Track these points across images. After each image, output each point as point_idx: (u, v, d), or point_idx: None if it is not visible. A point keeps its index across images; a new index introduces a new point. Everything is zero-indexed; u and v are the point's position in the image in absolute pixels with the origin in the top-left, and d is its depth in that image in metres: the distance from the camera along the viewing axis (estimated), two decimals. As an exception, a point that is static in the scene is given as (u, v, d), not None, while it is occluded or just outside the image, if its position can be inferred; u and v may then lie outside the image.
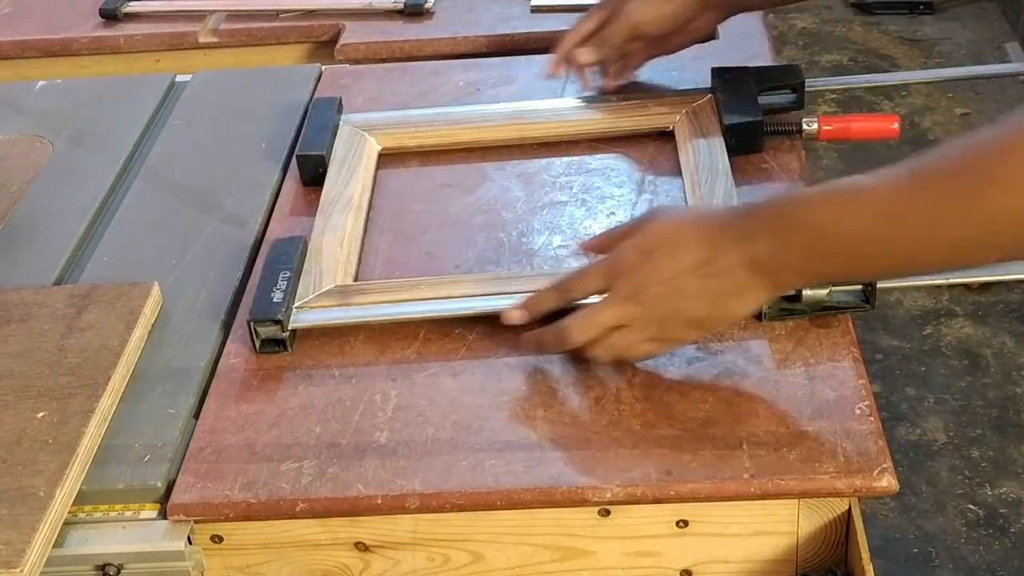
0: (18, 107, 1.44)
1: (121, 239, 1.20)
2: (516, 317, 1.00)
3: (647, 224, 0.97)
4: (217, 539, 0.94)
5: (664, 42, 1.27)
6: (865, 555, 0.89)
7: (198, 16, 1.63)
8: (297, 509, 0.90)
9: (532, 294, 1.00)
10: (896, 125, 1.21)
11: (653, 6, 1.23)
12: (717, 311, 0.93)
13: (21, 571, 0.84)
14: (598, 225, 1.14)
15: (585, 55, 1.26)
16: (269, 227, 1.19)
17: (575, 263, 1.09)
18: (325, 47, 1.59)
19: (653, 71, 1.35)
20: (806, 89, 1.24)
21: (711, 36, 1.27)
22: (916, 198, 0.84)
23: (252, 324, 1.02)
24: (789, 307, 1.00)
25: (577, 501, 0.89)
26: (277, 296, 1.04)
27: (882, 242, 0.86)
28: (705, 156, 1.17)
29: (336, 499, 0.90)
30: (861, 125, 1.22)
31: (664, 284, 0.93)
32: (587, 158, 1.24)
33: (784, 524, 0.92)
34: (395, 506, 0.90)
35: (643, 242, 0.95)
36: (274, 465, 0.93)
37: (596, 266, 0.98)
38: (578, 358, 0.98)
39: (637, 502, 0.89)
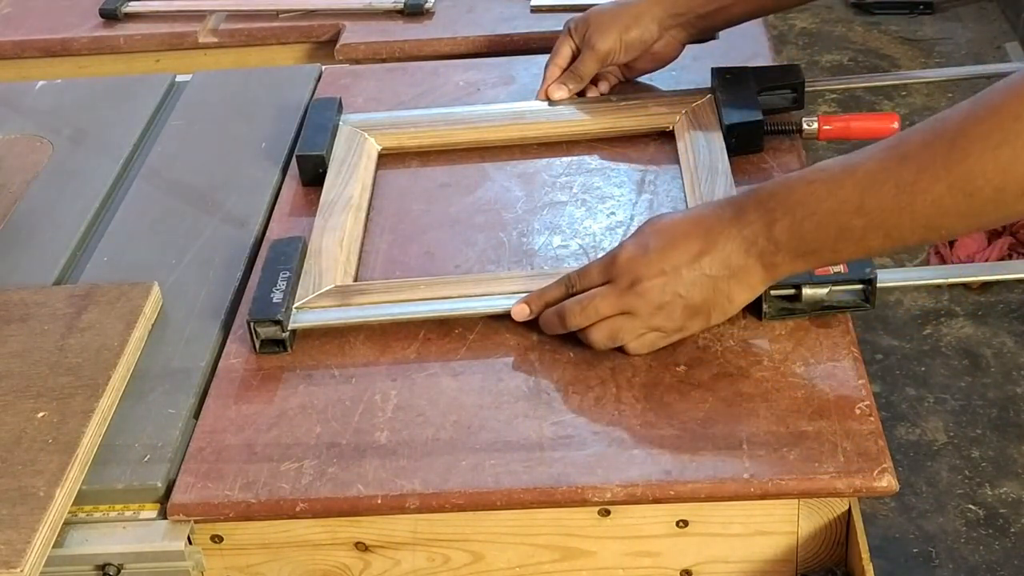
0: (18, 107, 1.44)
1: (121, 239, 1.20)
2: (519, 313, 1.02)
3: (646, 225, 1.00)
4: (217, 539, 0.94)
5: (631, 67, 1.32)
6: (865, 555, 0.89)
7: (198, 16, 1.63)
8: (297, 509, 0.90)
9: (537, 291, 1.03)
10: (896, 124, 1.21)
11: (616, 34, 1.27)
12: (717, 297, 0.96)
13: (21, 571, 0.84)
14: (598, 225, 1.14)
15: (559, 92, 1.29)
16: (269, 227, 1.19)
17: (575, 263, 1.09)
18: (325, 47, 1.59)
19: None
20: (806, 89, 1.24)
21: (673, 58, 1.31)
22: (895, 168, 0.87)
23: (252, 324, 1.02)
24: (789, 307, 1.00)
25: (577, 501, 0.89)
26: (277, 296, 1.04)
27: (865, 215, 0.88)
28: (705, 156, 1.17)
29: (336, 499, 0.90)
30: (861, 125, 1.22)
31: (662, 275, 0.96)
32: (587, 158, 1.24)
33: (784, 524, 0.92)
34: (395, 506, 0.90)
35: (641, 239, 0.99)
36: (274, 465, 0.93)
37: (597, 262, 1.01)
38: (584, 341, 1.00)
39: (637, 502, 0.89)
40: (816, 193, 0.90)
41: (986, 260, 2.37)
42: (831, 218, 0.90)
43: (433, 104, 1.35)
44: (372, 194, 1.22)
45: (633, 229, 1.12)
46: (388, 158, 1.27)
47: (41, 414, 0.96)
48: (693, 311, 0.96)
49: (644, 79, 1.33)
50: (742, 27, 1.31)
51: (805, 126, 1.21)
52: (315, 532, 0.94)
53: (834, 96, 2.93)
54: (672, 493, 0.88)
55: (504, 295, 1.04)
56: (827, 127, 1.21)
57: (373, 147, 1.27)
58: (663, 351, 0.98)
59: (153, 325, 1.07)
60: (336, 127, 1.28)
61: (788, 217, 0.91)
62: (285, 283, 1.05)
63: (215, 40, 1.61)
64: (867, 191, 0.88)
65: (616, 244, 1.02)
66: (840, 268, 1.01)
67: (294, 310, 1.04)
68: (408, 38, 1.54)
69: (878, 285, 0.99)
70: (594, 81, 1.31)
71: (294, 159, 1.25)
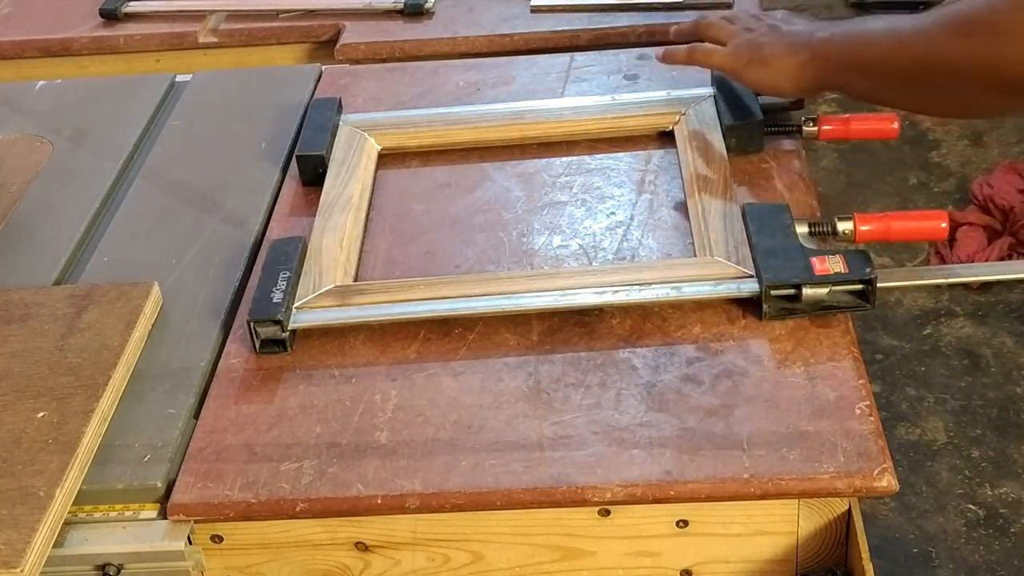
0: (18, 107, 1.44)
1: (121, 239, 1.20)
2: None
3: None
4: (217, 539, 0.94)
5: None
6: (865, 555, 0.89)
7: (198, 16, 1.63)
8: (297, 509, 0.90)
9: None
10: (896, 124, 1.21)
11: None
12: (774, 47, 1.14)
13: (21, 571, 0.84)
14: (598, 225, 1.14)
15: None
16: (269, 227, 1.19)
17: (575, 263, 1.09)
18: (325, 47, 1.59)
19: (653, 71, 1.35)
20: (806, 89, 1.24)
21: None
22: (929, 31, 1.00)
23: (252, 324, 1.02)
24: (789, 307, 1.00)
25: (577, 501, 0.89)
26: (277, 296, 1.04)
27: (891, 60, 1.03)
28: (705, 156, 1.17)
29: (336, 499, 0.90)
30: (861, 125, 1.22)
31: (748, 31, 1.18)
32: (587, 158, 1.24)
33: (784, 524, 0.92)
34: (395, 506, 0.90)
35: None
36: (274, 465, 0.93)
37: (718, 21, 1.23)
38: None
39: (637, 502, 0.89)
40: (867, 38, 1.07)
41: (986, 260, 2.37)
42: (866, 52, 1.07)
43: (433, 104, 1.35)
44: (372, 194, 1.22)
45: (633, 229, 1.12)
46: (388, 158, 1.27)
47: (41, 414, 0.96)
48: (756, 49, 1.14)
49: (644, 80, 1.33)
50: (742, 27, 1.31)
51: (805, 126, 1.21)
52: (315, 532, 0.94)
53: (834, 96, 2.92)
54: (672, 493, 0.88)
55: (504, 295, 1.04)
56: (827, 127, 1.20)
57: (373, 147, 1.27)
58: (662, 351, 0.98)
59: (153, 325, 1.07)
60: (336, 127, 1.28)
61: (837, 47, 1.09)
62: (285, 283, 1.05)
63: (215, 40, 1.61)
64: (897, 42, 1.03)
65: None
66: (840, 268, 1.01)
67: (294, 310, 1.04)
68: (408, 38, 1.54)
69: (878, 285, 0.99)
70: None
71: (294, 159, 1.25)
